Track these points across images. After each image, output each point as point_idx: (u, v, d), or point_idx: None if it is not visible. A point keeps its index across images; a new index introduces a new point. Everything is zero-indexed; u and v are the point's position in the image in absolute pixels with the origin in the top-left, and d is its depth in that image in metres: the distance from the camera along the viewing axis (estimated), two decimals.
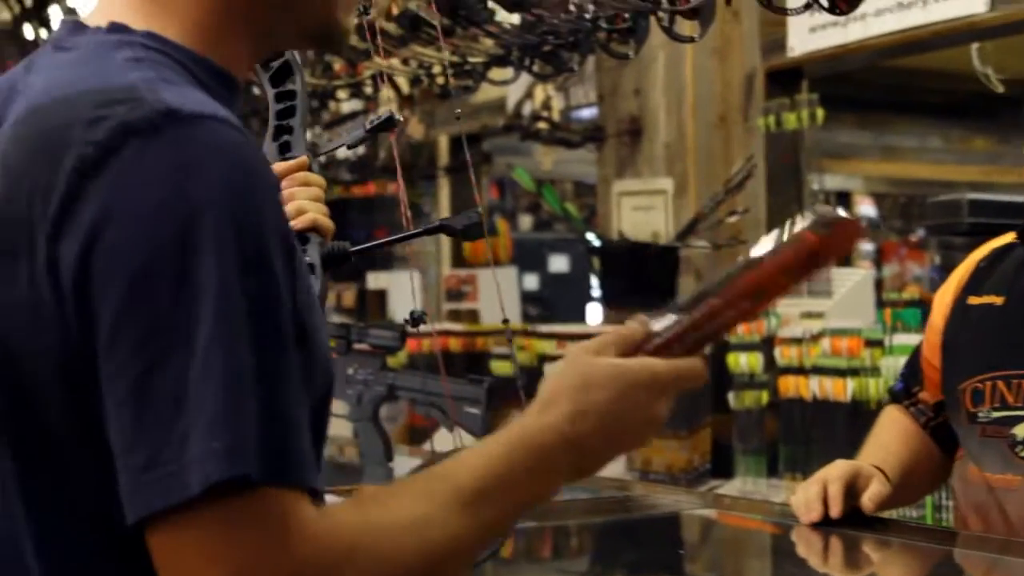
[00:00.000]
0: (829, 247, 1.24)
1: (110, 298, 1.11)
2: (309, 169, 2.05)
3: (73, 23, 1.32)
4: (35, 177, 1.16)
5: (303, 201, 1.98)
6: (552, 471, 1.26)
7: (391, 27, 3.76)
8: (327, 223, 2.00)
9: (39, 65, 1.30)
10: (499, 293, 2.73)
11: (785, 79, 5.23)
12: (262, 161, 1.20)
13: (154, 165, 1.13)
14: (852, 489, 2.25)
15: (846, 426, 4.05)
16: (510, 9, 3.42)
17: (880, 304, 4.59)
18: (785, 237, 1.25)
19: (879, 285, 7.93)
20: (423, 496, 1.20)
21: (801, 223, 1.25)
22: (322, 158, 7.34)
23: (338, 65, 4.65)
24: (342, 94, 5.24)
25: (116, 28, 1.27)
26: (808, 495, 2.26)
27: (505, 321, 2.59)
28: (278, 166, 2.00)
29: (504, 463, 1.23)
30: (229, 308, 1.11)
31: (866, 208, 12.28)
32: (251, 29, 1.33)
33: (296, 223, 1.91)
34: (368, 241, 2.44)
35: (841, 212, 1.26)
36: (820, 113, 4.92)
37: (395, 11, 3.77)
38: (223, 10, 1.30)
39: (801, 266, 1.24)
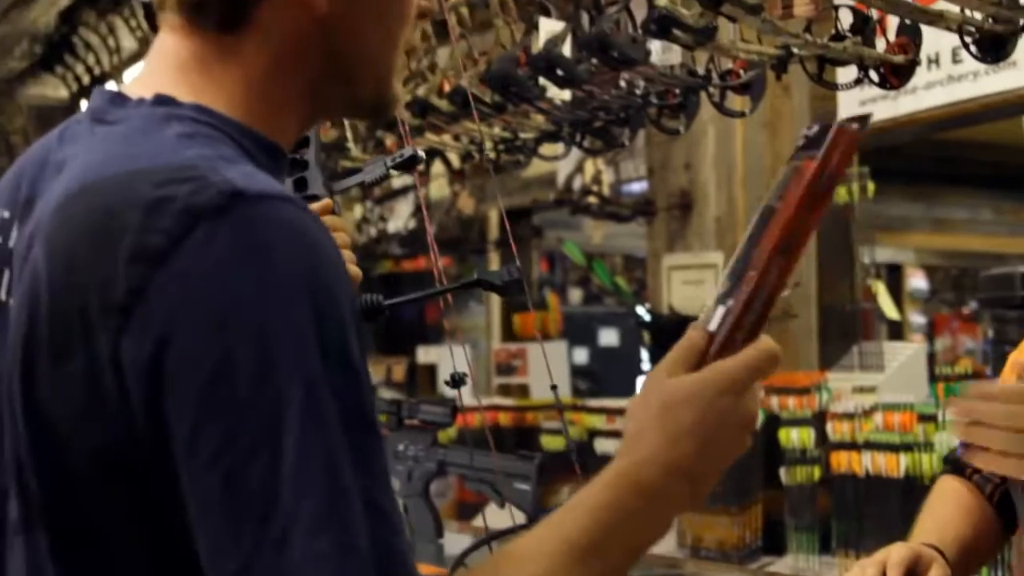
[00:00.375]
0: (828, 164, 1.19)
1: (189, 395, 1.05)
2: (332, 212, 1.92)
3: (112, 94, 1.27)
4: (90, 266, 1.10)
5: None
6: (661, 504, 1.21)
7: (443, 103, 3.78)
8: (356, 272, 1.88)
9: (76, 136, 1.25)
10: (547, 363, 2.71)
11: None
12: (329, 238, 1.14)
13: (224, 251, 1.07)
14: (911, 574, 2.20)
15: (899, 502, 4.00)
16: (561, 85, 3.44)
17: (933, 378, 4.54)
18: (784, 175, 1.20)
19: (931, 359, 7.87)
20: (532, 557, 1.16)
21: (793, 155, 1.20)
22: (372, 231, 7.39)
23: (389, 141, 4.67)
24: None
25: (162, 100, 1.22)
26: None
27: (554, 388, 2.53)
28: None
29: (610, 509, 1.18)
30: (316, 398, 1.05)
31: (918, 280, 12.23)
32: (304, 101, 1.29)
33: None
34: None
35: (829, 122, 1.20)
36: (871, 186, 4.90)
37: (447, 88, 3.80)
38: (275, 82, 1.26)
39: (813, 196, 1.19)
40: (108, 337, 1.08)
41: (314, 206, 1.85)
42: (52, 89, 7.12)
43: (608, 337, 9.47)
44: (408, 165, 2.15)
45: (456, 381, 2.32)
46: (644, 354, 7.61)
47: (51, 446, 1.13)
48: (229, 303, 1.06)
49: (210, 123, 1.21)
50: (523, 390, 6.96)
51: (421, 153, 2.19)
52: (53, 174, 1.21)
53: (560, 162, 5.24)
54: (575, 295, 11.57)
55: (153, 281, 1.07)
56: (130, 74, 6.28)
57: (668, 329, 5.46)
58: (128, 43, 6.21)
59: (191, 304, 1.06)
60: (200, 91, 1.24)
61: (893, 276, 10.92)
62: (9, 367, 1.16)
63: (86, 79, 6.58)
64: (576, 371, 8.69)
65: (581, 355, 9.19)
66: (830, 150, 1.19)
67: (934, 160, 8.09)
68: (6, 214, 1.25)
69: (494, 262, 7.85)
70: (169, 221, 1.08)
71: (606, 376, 8.97)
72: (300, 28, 1.25)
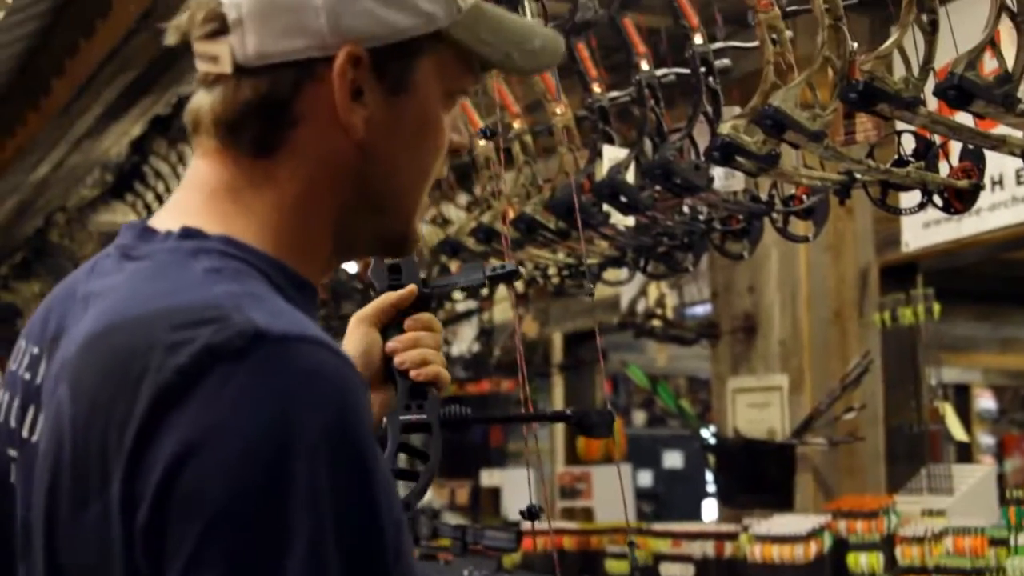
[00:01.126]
0: None
1: (186, 541, 1.00)
2: (428, 308, 1.85)
3: (141, 227, 1.24)
4: (111, 407, 1.06)
5: (428, 350, 1.78)
6: None
7: (507, 230, 3.82)
8: (446, 376, 1.82)
9: (104, 272, 1.22)
10: (621, 485, 2.69)
11: (900, 274, 5.21)
12: (357, 386, 1.09)
13: (241, 396, 1.02)
14: None
15: None
16: (625, 212, 3.46)
17: (1003, 501, 4.48)
18: None
19: (1001, 480, 7.77)
20: None
21: None
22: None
23: (454, 266, 4.71)
24: (457, 293, 5.30)
25: (190, 233, 1.19)
26: None
27: (630, 524, 2.50)
28: (393, 296, 1.81)
29: None
30: (318, 568, 1.01)
31: (986, 401, 12.10)
32: (330, 234, 1.26)
33: (418, 375, 1.75)
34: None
35: None
36: (936, 307, 4.89)
37: (511, 215, 3.83)
38: (306, 209, 1.23)
39: None
40: (120, 484, 1.05)
41: (401, 293, 1.82)
42: (122, 216, 7.24)
43: (672, 460, 9.43)
44: (507, 279, 2.08)
45: (532, 514, 2.30)
46: (709, 477, 7.56)
47: None
48: (239, 451, 1.02)
49: (238, 256, 1.18)
50: (587, 513, 6.92)
51: (521, 270, 2.12)
52: (80, 309, 1.19)
53: (624, 285, 5.26)
54: (639, 417, 11.54)
55: (166, 421, 1.03)
56: None
57: (733, 452, 5.43)
58: None
59: (199, 449, 1.02)
60: (231, 221, 1.21)
61: (960, 397, 10.83)
62: (34, 515, 1.15)
63: (155, 206, 6.68)
64: (641, 494, 8.64)
65: (645, 478, 9.15)
66: None
67: (1000, 280, 8.06)
68: (35, 350, 1.24)
69: (558, 385, 7.85)
70: (187, 360, 1.04)
71: (671, 499, 8.91)
72: (336, 153, 1.23)
